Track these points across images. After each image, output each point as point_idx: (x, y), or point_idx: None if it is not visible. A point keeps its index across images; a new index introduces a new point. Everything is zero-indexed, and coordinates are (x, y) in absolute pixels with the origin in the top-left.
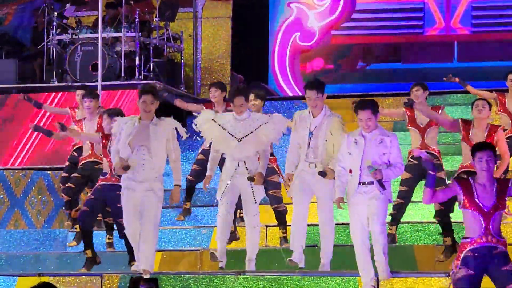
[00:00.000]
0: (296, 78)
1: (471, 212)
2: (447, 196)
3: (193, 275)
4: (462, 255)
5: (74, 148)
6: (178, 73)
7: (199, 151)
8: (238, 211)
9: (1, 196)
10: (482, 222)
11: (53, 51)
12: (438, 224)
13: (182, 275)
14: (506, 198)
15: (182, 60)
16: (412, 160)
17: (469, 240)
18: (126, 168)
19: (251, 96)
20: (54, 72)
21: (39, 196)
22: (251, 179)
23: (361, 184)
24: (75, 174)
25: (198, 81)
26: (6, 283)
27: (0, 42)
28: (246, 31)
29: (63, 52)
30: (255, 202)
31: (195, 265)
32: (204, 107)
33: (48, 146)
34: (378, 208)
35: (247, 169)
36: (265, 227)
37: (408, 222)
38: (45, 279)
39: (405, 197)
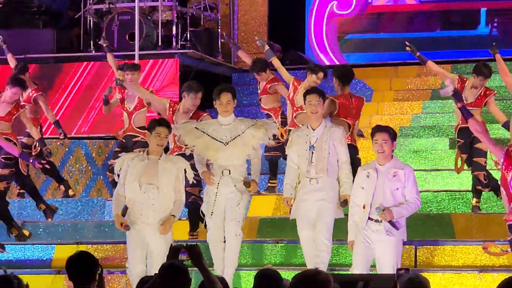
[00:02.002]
0: (333, 47)
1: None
2: (491, 150)
3: None
4: None
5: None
6: (215, 42)
7: None
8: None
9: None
10: None
11: (90, 20)
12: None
13: None
14: None
15: (219, 29)
16: (459, 139)
17: None
18: (126, 228)
19: (321, 75)
20: (91, 42)
21: (77, 165)
22: (247, 184)
23: (369, 220)
24: (116, 149)
25: None
26: (45, 251)
27: (37, 13)
28: (283, 0)
29: (100, 21)
30: (239, 208)
31: None
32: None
33: (86, 115)
34: (387, 251)
35: (232, 179)
36: None
37: (445, 191)
38: (83, 247)
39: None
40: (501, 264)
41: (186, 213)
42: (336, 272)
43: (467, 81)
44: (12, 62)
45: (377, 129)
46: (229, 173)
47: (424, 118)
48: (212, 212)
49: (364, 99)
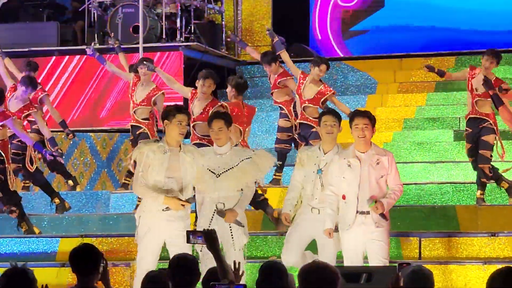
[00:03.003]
0: (337, 39)
1: None
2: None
3: None
4: None
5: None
6: (219, 35)
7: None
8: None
9: None
10: None
11: (94, 13)
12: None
13: None
14: None
15: (223, 22)
16: (467, 128)
17: None
18: (222, 214)
19: (323, 67)
20: (96, 35)
21: (82, 158)
22: (220, 213)
23: (358, 213)
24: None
25: None
26: (49, 244)
27: (42, 5)
28: None
29: (104, 14)
30: (235, 250)
31: None
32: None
33: (89, 108)
34: (380, 243)
35: (239, 225)
36: None
37: (450, 183)
38: (87, 240)
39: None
40: (505, 256)
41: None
42: (337, 264)
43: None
44: (11, 67)
45: (357, 113)
46: (224, 206)
47: (429, 110)
48: (201, 250)
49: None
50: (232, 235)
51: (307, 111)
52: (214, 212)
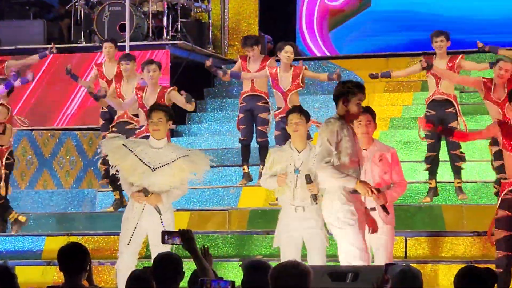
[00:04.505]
0: (324, 38)
1: (509, 154)
2: (485, 135)
3: (221, 234)
4: (501, 196)
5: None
6: (205, 34)
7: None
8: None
9: (30, 156)
10: None
11: (80, 11)
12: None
13: (211, 235)
14: None
15: (210, 21)
16: (429, 110)
17: (509, 181)
18: (146, 193)
19: (289, 48)
20: (82, 33)
21: (68, 157)
22: (146, 192)
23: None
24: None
25: (225, 41)
26: (35, 243)
27: (28, 3)
28: None
29: (90, 12)
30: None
31: (223, 225)
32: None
33: (77, 107)
34: (385, 241)
35: (158, 212)
36: None
37: (436, 182)
38: (73, 239)
39: (435, 149)
40: (491, 256)
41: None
42: (328, 263)
43: None
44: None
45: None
46: (154, 207)
47: (415, 109)
48: (129, 241)
49: None
50: (164, 228)
51: (291, 99)
52: (145, 206)
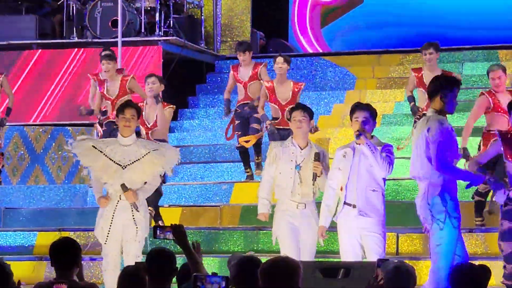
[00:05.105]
0: (316, 34)
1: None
2: (492, 155)
3: (213, 230)
4: (505, 208)
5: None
6: (198, 30)
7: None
8: None
9: (22, 152)
10: None
11: (73, 7)
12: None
13: (202, 230)
14: None
15: (202, 17)
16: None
17: None
18: (125, 188)
19: (279, 59)
20: (74, 28)
21: (60, 152)
22: (124, 187)
23: (345, 204)
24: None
25: (218, 37)
26: (27, 238)
27: None
28: None
29: (83, 8)
30: (137, 241)
31: (215, 221)
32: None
33: (69, 102)
34: (375, 244)
35: (135, 209)
36: None
37: None
38: (65, 234)
39: None
40: (482, 252)
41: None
42: (320, 259)
43: None
44: None
45: (358, 106)
46: (130, 204)
47: (407, 106)
48: (106, 240)
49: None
50: (136, 227)
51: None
52: (118, 204)
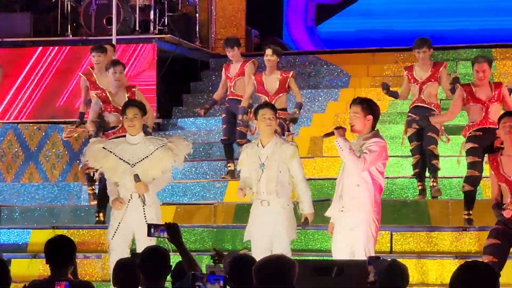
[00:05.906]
0: (311, 32)
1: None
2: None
3: (207, 228)
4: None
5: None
6: (192, 28)
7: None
8: None
9: (16, 149)
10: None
11: (67, 4)
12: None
13: (196, 228)
14: None
15: (197, 15)
16: (411, 115)
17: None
18: (137, 179)
19: (268, 51)
20: (69, 26)
21: (54, 150)
22: (136, 177)
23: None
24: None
25: (212, 35)
26: (21, 236)
27: None
28: None
29: (77, 5)
30: (150, 240)
31: (209, 219)
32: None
33: (61, 100)
34: (359, 241)
35: (142, 201)
36: None
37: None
38: (59, 232)
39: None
40: (476, 250)
41: None
42: (312, 258)
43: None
44: None
45: (353, 101)
46: (138, 195)
47: (401, 104)
48: (113, 235)
49: None
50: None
51: (277, 103)
52: (129, 202)
